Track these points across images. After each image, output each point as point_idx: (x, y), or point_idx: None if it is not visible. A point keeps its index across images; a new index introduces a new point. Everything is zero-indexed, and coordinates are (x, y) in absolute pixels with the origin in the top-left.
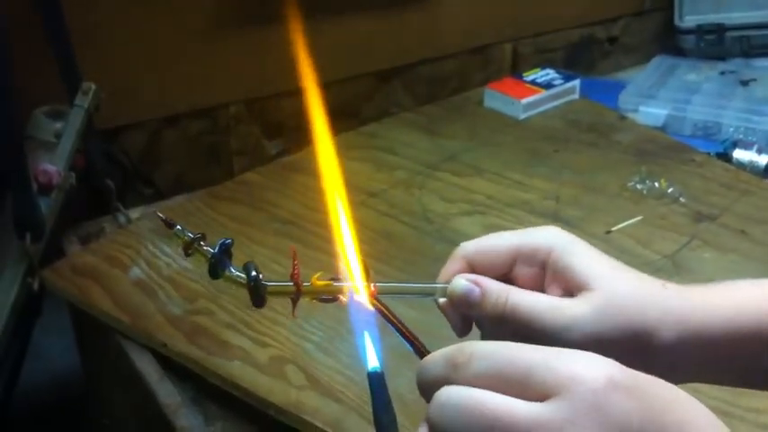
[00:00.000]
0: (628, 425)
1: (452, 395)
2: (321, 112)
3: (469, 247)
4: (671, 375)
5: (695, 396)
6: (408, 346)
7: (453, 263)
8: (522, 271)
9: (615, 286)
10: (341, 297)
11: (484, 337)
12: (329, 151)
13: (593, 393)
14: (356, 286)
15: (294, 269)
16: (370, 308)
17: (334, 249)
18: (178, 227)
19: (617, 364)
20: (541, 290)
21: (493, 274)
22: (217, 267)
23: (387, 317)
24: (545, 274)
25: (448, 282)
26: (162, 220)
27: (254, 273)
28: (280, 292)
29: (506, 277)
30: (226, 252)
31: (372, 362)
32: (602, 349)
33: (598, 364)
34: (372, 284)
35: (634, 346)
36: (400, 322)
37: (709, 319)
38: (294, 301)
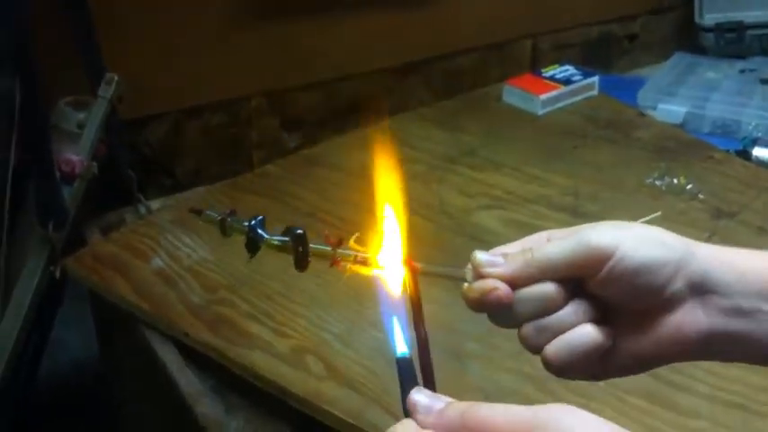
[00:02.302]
0: None
1: None
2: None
3: (511, 266)
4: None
5: (714, 392)
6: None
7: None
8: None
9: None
10: (376, 265)
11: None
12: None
13: None
14: (392, 257)
15: (328, 239)
16: (403, 280)
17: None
18: (207, 212)
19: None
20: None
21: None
22: (256, 238)
23: (412, 297)
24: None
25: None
26: (190, 210)
27: (299, 231)
28: (321, 255)
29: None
30: (260, 225)
31: (401, 347)
32: (624, 254)
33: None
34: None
35: (658, 248)
36: (421, 314)
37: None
38: (334, 262)
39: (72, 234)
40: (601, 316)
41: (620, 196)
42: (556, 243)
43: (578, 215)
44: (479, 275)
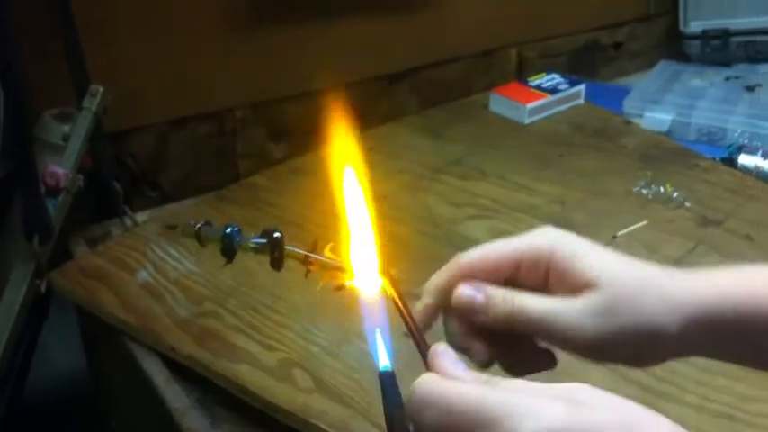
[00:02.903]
0: None
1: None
2: (344, 113)
3: (470, 256)
4: (676, 355)
5: (702, 402)
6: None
7: (449, 270)
8: (526, 276)
9: (619, 283)
10: (348, 278)
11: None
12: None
13: None
14: (368, 271)
15: (314, 246)
16: (382, 295)
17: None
18: (182, 225)
19: (566, 414)
20: (546, 292)
21: (496, 282)
22: (231, 242)
23: (398, 306)
24: (549, 277)
25: (441, 284)
26: (167, 227)
27: (276, 234)
28: (295, 257)
29: (510, 284)
30: (236, 232)
31: (383, 361)
32: (611, 345)
33: (548, 409)
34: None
35: (642, 341)
36: (410, 315)
37: (718, 304)
38: (308, 268)
39: (57, 247)
40: None
41: (607, 204)
42: (540, 314)
43: (565, 224)
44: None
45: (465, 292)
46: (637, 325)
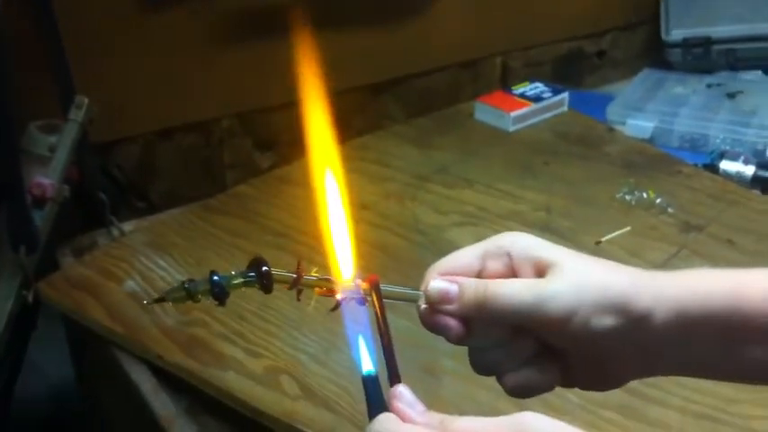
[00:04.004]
0: None
1: None
2: (325, 122)
3: (439, 263)
4: (656, 358)
5: (685, 404)
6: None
7: (428, 279)
8: (491, 267)
9: (584, 266)
10: (337, 291)
11: (471, 343)
12: (333, 158)
13: None
14: (351, 281)
15: (298, 266)
16: (364, 302)
17: (326, 251)
18: (168, 291)
19: None
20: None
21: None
22: (221, 287)
23: (377, 318)
24: (513, 265)
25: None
26: (154, 301)
27: (264, 268)
28: (283, 281)
29: (478, 277)
30: (221, 276)
31: (367, 365)
32: (583, 320)
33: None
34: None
35: (614, 313)
36: (387, 329)
37: (684, 292)
38: (297, 291)
39: (44, 258)
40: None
41: (592, 211)
42: (509, 292)
43: (551, 231)
44: (432, 309)
45: (438, 284)
46: (604, 298)
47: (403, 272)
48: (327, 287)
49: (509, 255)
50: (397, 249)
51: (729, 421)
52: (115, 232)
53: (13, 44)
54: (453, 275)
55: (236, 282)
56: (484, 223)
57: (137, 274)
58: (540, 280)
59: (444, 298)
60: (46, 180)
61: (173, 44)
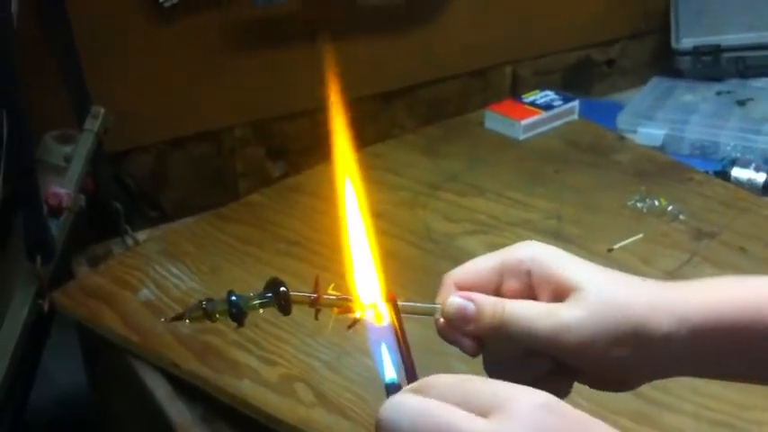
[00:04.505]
0: None
1: (406, 400)
2: (343, 129)
3: (456, 272)
4: (672, 369)
5: (699, 410)
6: (404, 371)
7: (445, 290)
8: (510, 285)
9: (604, 286)
10: (355, 311)
11: (486, 354)
12: (351, 169)
13: (528, 412)
14: (370, 301)
15: (316, 284)
16: (384, 324)
17: (344, 267)
18: (187, 311)
19: (554, 397)
20: (532, 299)
21: (482, 292)
22: (239, 308)
23: (396, 336)
24: (532, 284)
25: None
26: (172, 319)
27: (282, 288)
28: (301, 302)
29: (496, 294)
30: (239, 296)
31: (390, 373)
32: (600, 350)
33: (536, 392)
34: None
35: (631, 343)
36: (407, 345)
37: (704, 309)
38: (316, 311)
39: (59, 267)
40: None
41: (603, 219)
42: (527, 317)
43: (562, 238)
44: (449, 324)
45: (456, 301)
46: (627, 325)
47: (415, 280)
48: (346, 307)
49: (529, 273)
50: (408, 257)
51: (743, 427)
52: (129, 241)
53: (29, 54)
54: (470, 290)
55: (253, 303)
56: (495, 231)
57: (151, 282)
58: (559, 306)
59: (462, 317)
60: (62, 190)
61: (185, 53)
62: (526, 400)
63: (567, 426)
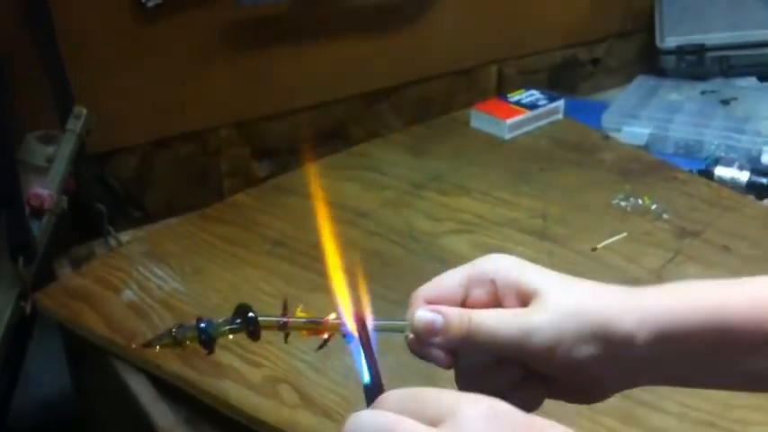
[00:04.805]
0: None
1: (362, 415)
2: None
3: (423, 289)
4: (640, 374)
5: (684, 410)
6: (368, 381)
7: (414, 306)
8: (476, 296)
9: (566, 289)
10: (324, 332)
11: (457, 367)
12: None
13: (473, 419)
14: (340, 320)
15: (284, 309)
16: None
17: (327, 273)
18: (156, 337)
19: (501, 402)
20: (498, 307)
21: (450, 305)
22: (208, 335)
23: (365, 349)
24: (497, 294)
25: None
26: (143, 345)
27: (251, 314)
28: (269, 327)
29: (463, 306)
30: (208, 323)
31: (368, 376)
32: (565, 350)
33: (480, 398)
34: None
35: (594, 342)
36: (374, 359)
37: (663, 310)
38: (285, 334)
39: (42, 268)
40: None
41: (588, 218)
42: (493, 325)
43: (547, 238)
44: (419, 340)
45: (424, 315)
46: (586, 324)
47: (398, 278)
48: (314, 329)
49: (493, 282)
50: (392, 257)
51: (728, 427)
52: (112, 242)
53: (11, 54)
54: (438, 303)
55: (223, 329)
56: (480, 230)
57: (134, 283)
58: (524, 311)
59: (430, 330)
60: (44, 191)
61: (170, 54)
62: (470, 407)
63: (514, 430)
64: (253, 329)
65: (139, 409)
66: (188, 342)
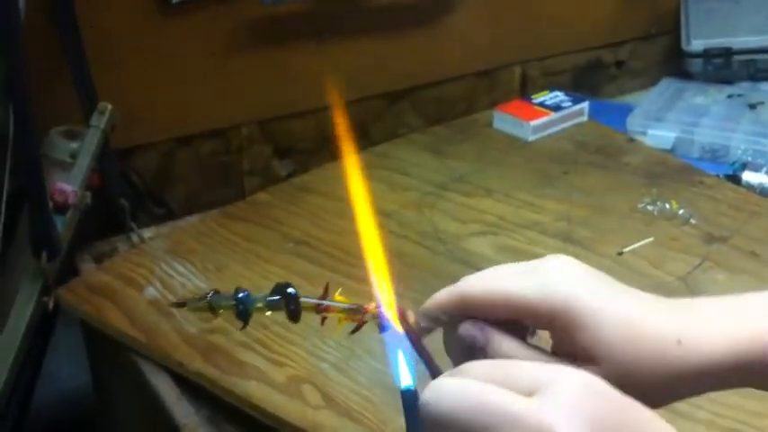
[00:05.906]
0: (600, 424)
1: (446, 382)
2: (346, 130)
3: (473, 289)
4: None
5: (713, 418)
6: (428, 371)
7: (451, 295)
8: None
9: (621, 360)
10: (365, 317)
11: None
12: (355, 171)
13: (571, 392)
14: (384, 305)
15: (325, 291)
16: (399, 329)
17: (364, 272)
18: (190, 300)
19: (599, 379)
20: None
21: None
22: (245, 306)
23: (413, 340)
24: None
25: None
26: (174, 305)
27: (291, 290)
28: (308, 308)
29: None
30: (246, 295)
31: (405, 380)
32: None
33: (580, 372)
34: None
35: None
36: (425, 348)
37: (740, 345)
38: (322, 318)
39: (65, 264)
40: None
41: (613, 221)
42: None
43: (571, 241)
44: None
45: (468, 332)
46: (649, 388)
47: (423, 280)
48: (355, 317)
49: (549, 323)
50: (415, 257)
51: None
52: (135, 238)
53: (36, 50)
54: (482, 310)
55: (261, 304)
56: (504, 233)
57: (157, 280)
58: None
59: (471, 345)
60: (68, 187)
61: (193, 50)
62: (568, 377)
63: (611, 409)
64: (294, 309)
65: (161, 406)
66: (222, 311)
